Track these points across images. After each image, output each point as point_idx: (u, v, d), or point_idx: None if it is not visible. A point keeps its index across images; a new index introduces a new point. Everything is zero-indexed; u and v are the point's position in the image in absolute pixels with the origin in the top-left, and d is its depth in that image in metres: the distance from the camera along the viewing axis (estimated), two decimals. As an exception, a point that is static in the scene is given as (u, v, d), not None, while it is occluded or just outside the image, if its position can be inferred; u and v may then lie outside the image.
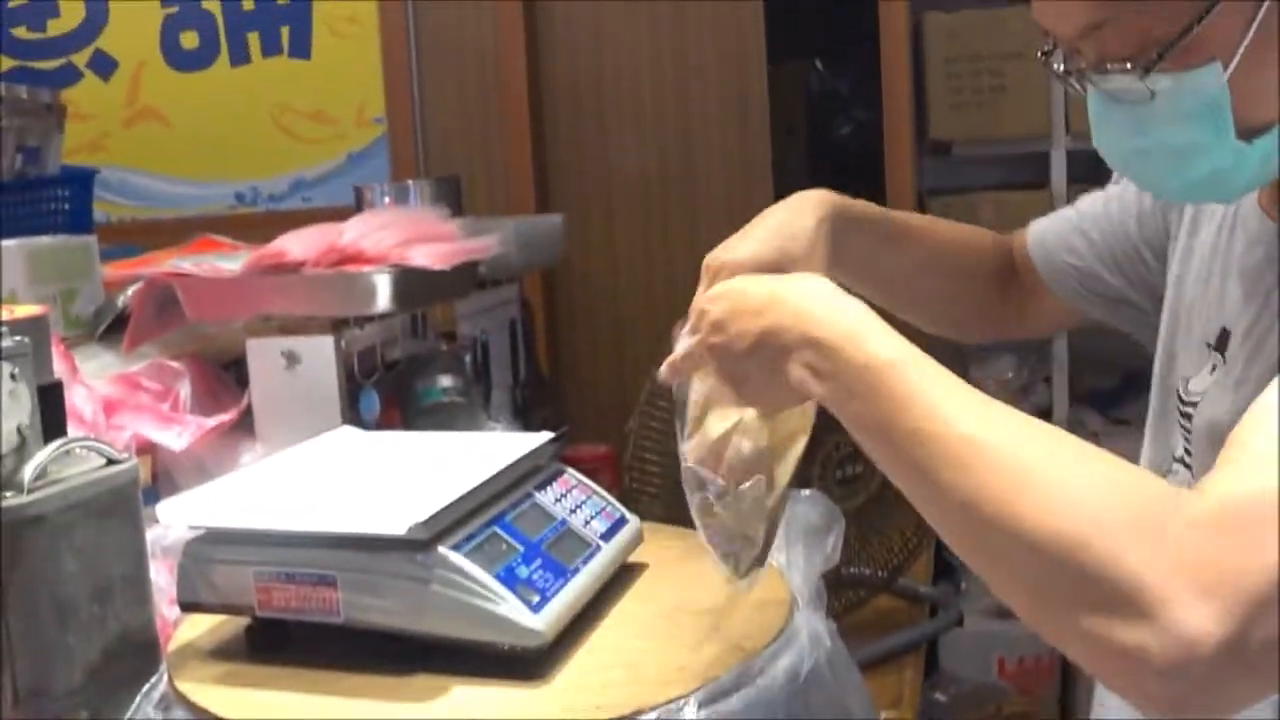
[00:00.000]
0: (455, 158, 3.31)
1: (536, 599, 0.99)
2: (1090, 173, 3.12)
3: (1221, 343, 1.06)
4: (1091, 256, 1.24)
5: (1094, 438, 3.02)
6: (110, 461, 1.16)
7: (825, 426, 1.54)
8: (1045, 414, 3.14)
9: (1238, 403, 0.92)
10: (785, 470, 1.06)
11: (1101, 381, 3.26)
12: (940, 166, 3.42)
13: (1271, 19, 0.84)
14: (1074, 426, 3.10)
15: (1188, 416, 1.10)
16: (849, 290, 0.93)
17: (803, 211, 1.18)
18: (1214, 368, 1.07)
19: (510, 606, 0.97)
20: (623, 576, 1.15)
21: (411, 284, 1.51)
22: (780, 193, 3.72)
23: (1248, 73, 0.85)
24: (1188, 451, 1.11)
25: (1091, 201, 1.28)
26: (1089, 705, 2.76)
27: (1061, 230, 1.27)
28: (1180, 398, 1.12)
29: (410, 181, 2.06)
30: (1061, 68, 0.95)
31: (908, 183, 3.18)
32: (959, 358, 1.70)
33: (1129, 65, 0.87)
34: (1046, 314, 1.33)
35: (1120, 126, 0.94)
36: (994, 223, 3.05)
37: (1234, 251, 1.06)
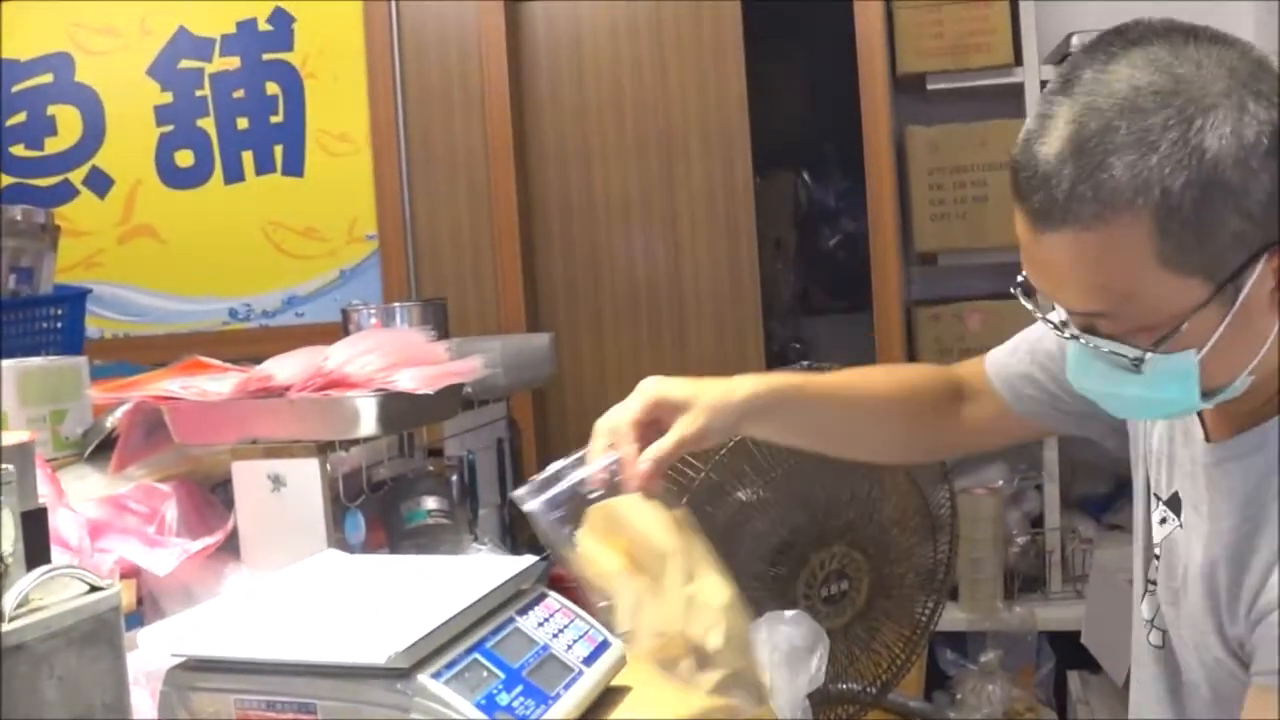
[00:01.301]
0: (446, 273, 3.35)
1: (516, 727, 0.99)
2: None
3: (1174, 503, 1.19)
4: (1054, 386, 1.30)
5: (1088, 544, 3.02)
6: (93, 588, 1.16)
7: (811, 544, 1.57)
8: (1037, 521, 3.13)
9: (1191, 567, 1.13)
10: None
11: (1094, 488, 3.26)
12: (927, 277, 3.45)
13: (1240, 318, 0.97)
14: (1067, 533, 3.10)
15: (1155, 551, 1.21)
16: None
17: (740, 382, 1.23)
18: (1164, 520, 1.20)
19: (489, 735, 0.97)
20: (605, 701, 1.15)
21: (397, 407, 1.52)
22: (768, 305, 3.70)
23: (1215, 355, 0.99)
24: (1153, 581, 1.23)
25: (1041, 336, 1.33)
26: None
27: (1020, 369, 1.34)
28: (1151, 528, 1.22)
29: (397, 304, 2.09)
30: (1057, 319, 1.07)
31: (895, 294, 3.21)
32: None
33: (1121, 350, 1.00)
34: (1010, 430, 1.39)
35: (1101, 375, 1.05)
36: (981, 332, 3.11)
37: (1185, 435, 1.18)
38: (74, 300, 2.44)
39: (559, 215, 3.41)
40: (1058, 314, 1.07)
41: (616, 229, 3.38)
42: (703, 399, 1.17)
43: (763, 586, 1.51)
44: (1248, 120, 0.92)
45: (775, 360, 3.73)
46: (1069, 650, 3.03)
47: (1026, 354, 1.34)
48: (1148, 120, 0.92)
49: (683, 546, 1.07)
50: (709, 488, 1.48)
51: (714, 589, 1.08)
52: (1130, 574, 2.63)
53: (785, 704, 1.15)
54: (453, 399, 1.70)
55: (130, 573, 1.44)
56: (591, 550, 1.06)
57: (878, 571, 1.62)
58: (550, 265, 3.41)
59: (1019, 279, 1.07)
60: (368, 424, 1.50)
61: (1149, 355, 0.99)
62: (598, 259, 3.39)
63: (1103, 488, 3.25)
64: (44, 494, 1.38)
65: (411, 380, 1.51)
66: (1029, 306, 1.08)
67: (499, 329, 3.25)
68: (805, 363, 1.58)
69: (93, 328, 3.40)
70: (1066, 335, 1.05)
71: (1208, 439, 1.14)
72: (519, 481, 2.26)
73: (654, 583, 1.03)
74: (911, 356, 3.21)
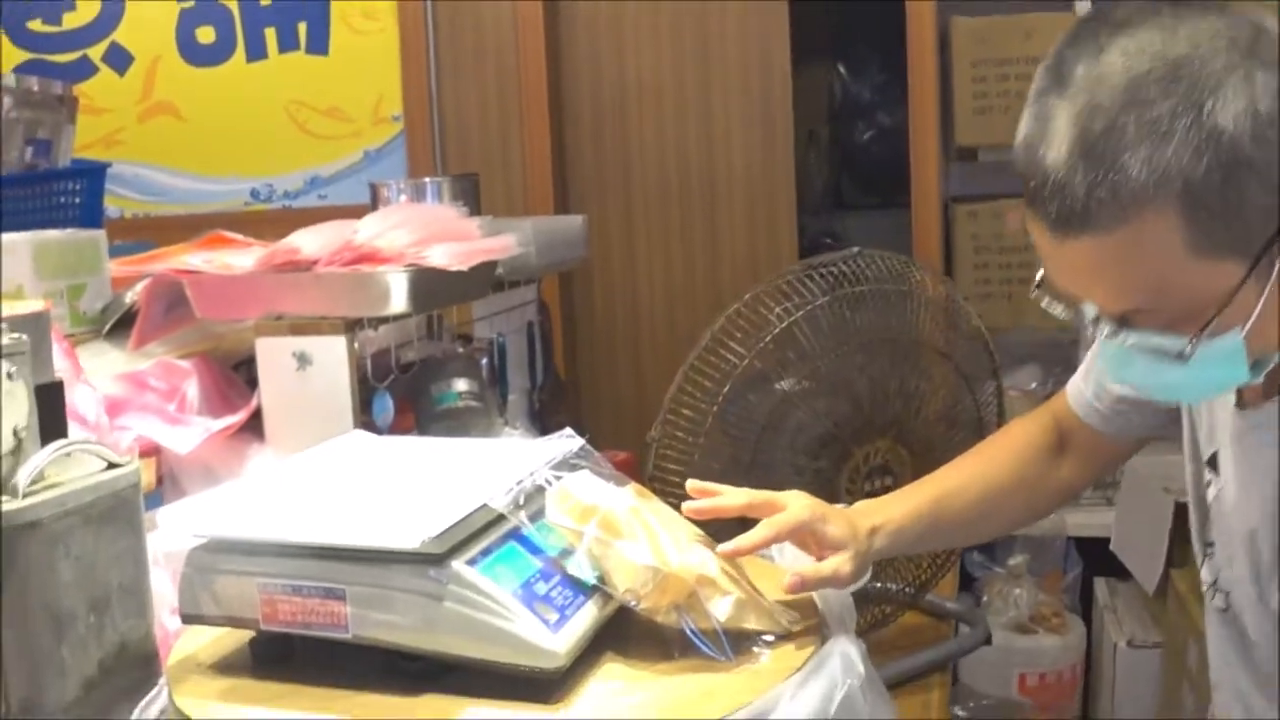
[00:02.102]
0: (473, 156, 3.26)
1: (555, 618, 0.94)
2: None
3: (1213, 463, 1.17)
4: (1138, 398, 1.27)
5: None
6: (111, 465, 1.11)
7: (855, 437, 1.51)
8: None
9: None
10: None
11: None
12: (966, 173, 3.36)
13: (1274, 286, 0.94)
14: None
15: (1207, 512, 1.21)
16: None
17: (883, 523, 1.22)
18: (1209, 481, 1.18)
19: (527, 625, 0.92)
20: (646, 592, 1.10)
21: (428, 284, 1.46)
22: (801, 199, 3.64)
23: (1258, 327, 0.96)
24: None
25: None
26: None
27: (1098, 389, 1.31)
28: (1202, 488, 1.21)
29: (428, 179, 2.00)
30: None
31: (934, 190, 3.12)
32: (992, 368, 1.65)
33: (1163, 344, 0.97)
34: (1116, 453, 1.38)
35: (1144, 368, 1.01)
36: (1020, 230, 3.02)
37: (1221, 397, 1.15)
38: (93, 175, 2.38)
39: (590, 100, 3.31)
40: (1089, 309, 1.01)
41: (649, 116, 3.28)
42: (853, 546, 1.14)
43: (804, 480, 1.45)
44: (1259, 91, 0.88)
45: (806, 255, 3.65)
46: (1097, 557, 2.99)
47: (1099, 371, 1.30)
48: (1155, 110, 0.88)
49: (647, 505, 1.04)
50: (751, 375, 1.42)
51: (687, 527, 1.05)
52: (1165, 482, 2.58)
53: (830, 600, 1.10)
54: (485, 278, 1.63)
55: (150, 451, 1.39)
56: (562, 524, 1.01)
57: (922, 469, 1.56)
58: (580, 151, 3.32)
59: (1038, 278, 1.03)
60: (398, 301, 1.43)
61: (1193, 343, 0.96)
62: (629, 146, 3.30)
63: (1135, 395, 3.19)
64: (61, 369, 1.33)
65: (444, 256, 1.45)
66: (1054, 311, 1.05)
67: (526, 215, 3.18)
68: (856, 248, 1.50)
69: (113, 207, 3.34)
70: (1103, 335, 1.01)
71: (1240, 405, 1.10)
72: (549, 367, 2.23)
73: (628, 538, 0.99)
74: (948, 254, 3.14)
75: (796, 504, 1.12)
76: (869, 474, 1.51)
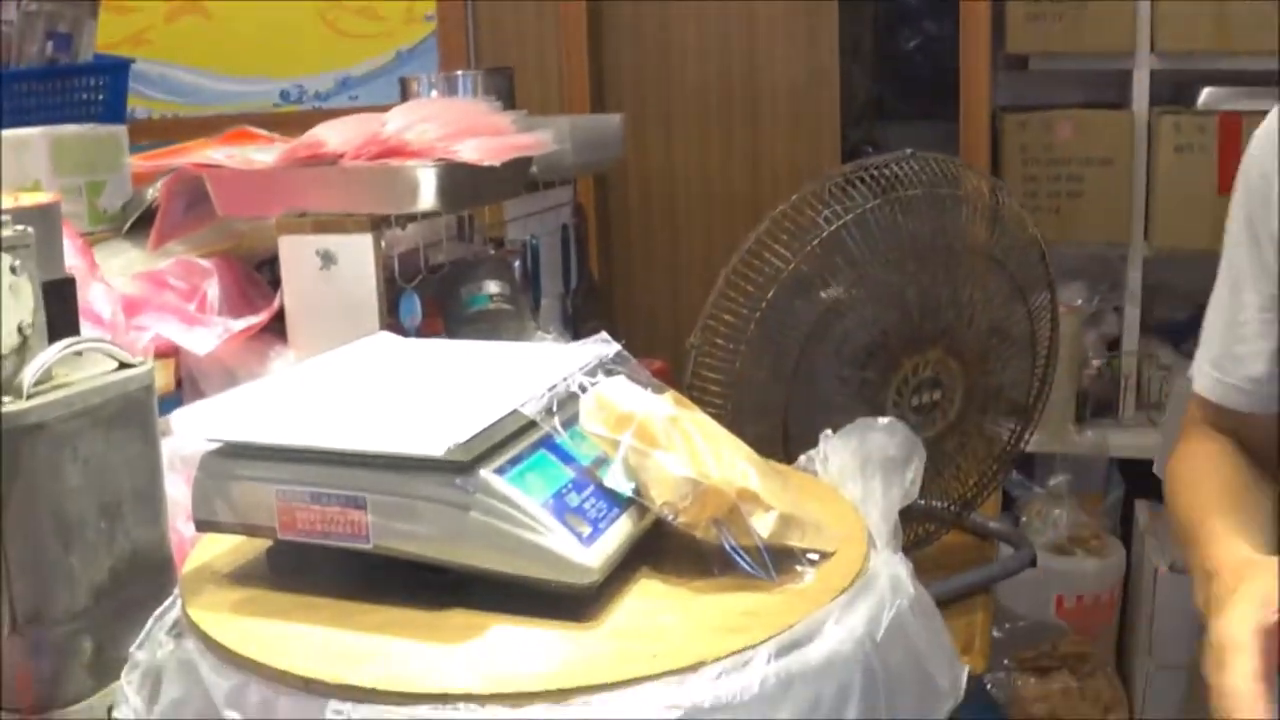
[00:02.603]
0: (508, 57, 3.18)
1: (588, 531, 0.88)
2: (1175, 94, 2.96)
3: None
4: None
5: (1165, 370, 2.91)
6: (123, 365, 1.06)
7: (904, 347, 1.44)
8: (1114, 344, 3.00)
9: None
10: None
11: (1175, 313, 3.12)
12: (1016, 82, 3.26)
13: None
14: (1145, 358, 2.97)
15: None
16: None
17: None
18: None
19: (558, 538, 0.86)
20: (684, 505, 1.04)
21: (458, 180, 1.39)
22: (846, 107, 3.54)
23: None
24: None
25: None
26: (1148, 645, 2.66)
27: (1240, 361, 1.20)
28: None
29: (460, 72, 1.93)
30: None
31: (984, 99, 3.03)
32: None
33: None
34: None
35: None
36: (1071, 141, 2.93)
37: None
38: (116, 71, 2.30)
39: (630, 1, 3.21)
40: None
41: (689, 18, 3.18)
42: None
43: (850, 391, 1.39)
44: None
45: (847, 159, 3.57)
46: (1139, 479, 2.93)
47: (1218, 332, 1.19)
48: None
49: (686, 413, 0.97)
50: (797, 280, 1.35)
51: (728, 439, 0.97)
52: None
53: (877, 517, 1.03)
54: (518, 175, 1.56)
55: (168, 353, 1.34)
56: (597, 433, 0.94)
57: (973, 382, 1.49)
58: (618, 52, 3.23)
59: None
60: (427, 197, 1.37)
61: None
62: (669, 48, 3.21)
63: (1183, 313, 3.11)
64: (75, 266, 1.27)
65: (475, 151, 1.37)
66: None
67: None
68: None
69: (139, 108, 3.28)
70: None
71: None
72: (584, 271, 2.16)
73: (666, 448, 0.92)
74: (995, 165, 3.04)
75: None
76: (918, 386, 1.44)
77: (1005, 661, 2.71)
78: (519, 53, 3.19)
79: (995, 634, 2.69)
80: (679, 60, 3.20)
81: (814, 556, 0.94)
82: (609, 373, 1.01)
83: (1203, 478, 1.22)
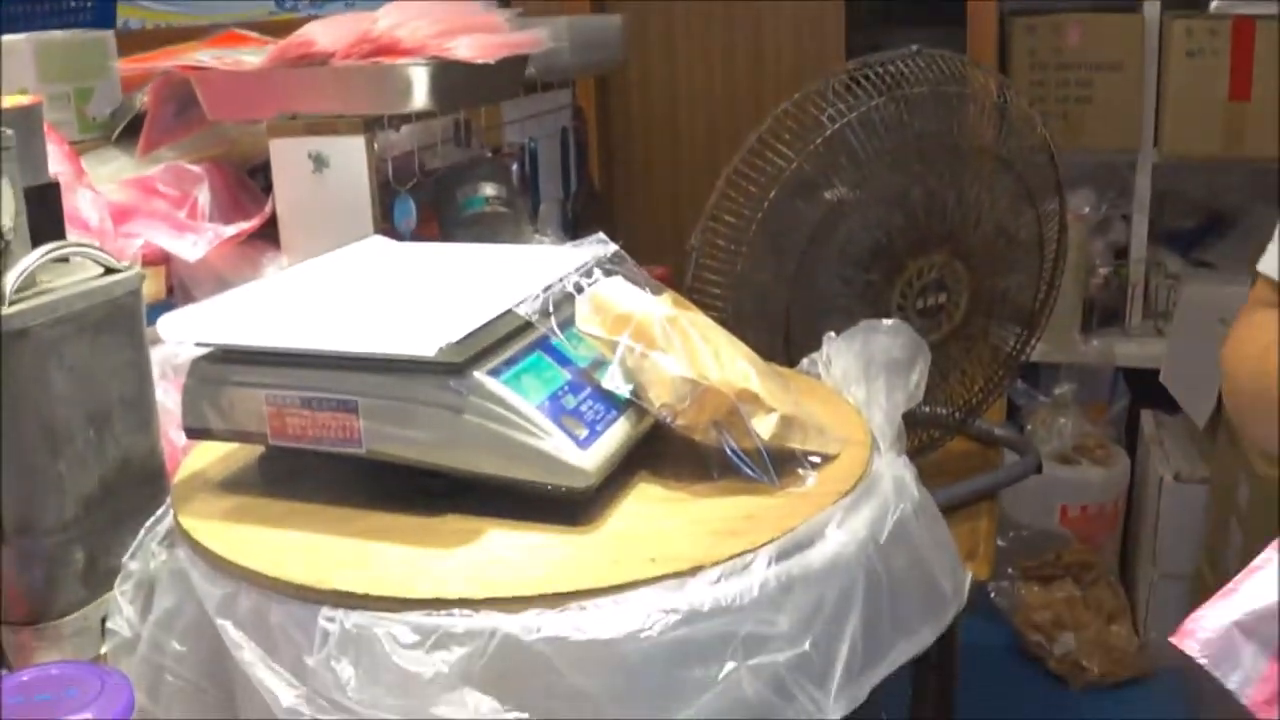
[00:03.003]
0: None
1: (584, 433, 0.86)
2: (1188, -2, 2.89)
3: None
4: None
5: (1173, 279, 2.88)
6: (110, 270, 1.03)
7: (910, 249, 1.41)
8: (1122, 252, 2.96)
9: None
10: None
11: (1184, 221, 3.08)
12: (1027, -17, 3.19)
13: None
14: (1152, 266, 2.93)
15: None
16: None
17: None
18: None
19: (554, 441, 0.85)
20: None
21: (452, 79, 1.35)
22: (851, 10, 3.46)
23: None
24: None
25: None
26: (1151, 554, 2.65)
27: None
28: None
29: (453, -30, 1.89)
30: None
31: (990, 1, 2.96)
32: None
33: None
34: None
35: None
36: (1081, 47, 2.87)
37: None
38: (104, -24, 2.26)
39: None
40: None
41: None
42: None
43: (854, 293, 1.36)
44: None
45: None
46: (1145, 389, 2.91)
47: None
48: None
49: (684, 312, 0.94)
50: (800, 180, 1.31)
51: (728, 340, 0.95)
52: (1221, 313, 2.47)
53: (881, 420, 1.01)
54: (514, 74, 1.52)
55: (159, 260, 1.31)
56: (594, 334, 0.91)
57: (979, 285, 1.46)
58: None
59: None
60: (420, 96, 1.33)
61: None
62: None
63: (1192, 222, 3.08)
64: (61, 172, 1.24)
65: (469, 48, 1.34)
66: None
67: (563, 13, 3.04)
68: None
69: (131, 18, 3.21)
70: None
71: None
72: (583, 175, 2.12)
73: (664, 349, 0.89)
74: (1003, 70, 2.99)
75: None
76: (923, 290, 1.41)
77: (1009, 570, 2.72)
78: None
79: (999, 543, 2.69)
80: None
81: (815, 459, 0.92)
82: (607, 273, 0.99)
83: None
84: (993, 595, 2.69)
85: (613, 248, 1.03)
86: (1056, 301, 1.62)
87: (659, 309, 0.93)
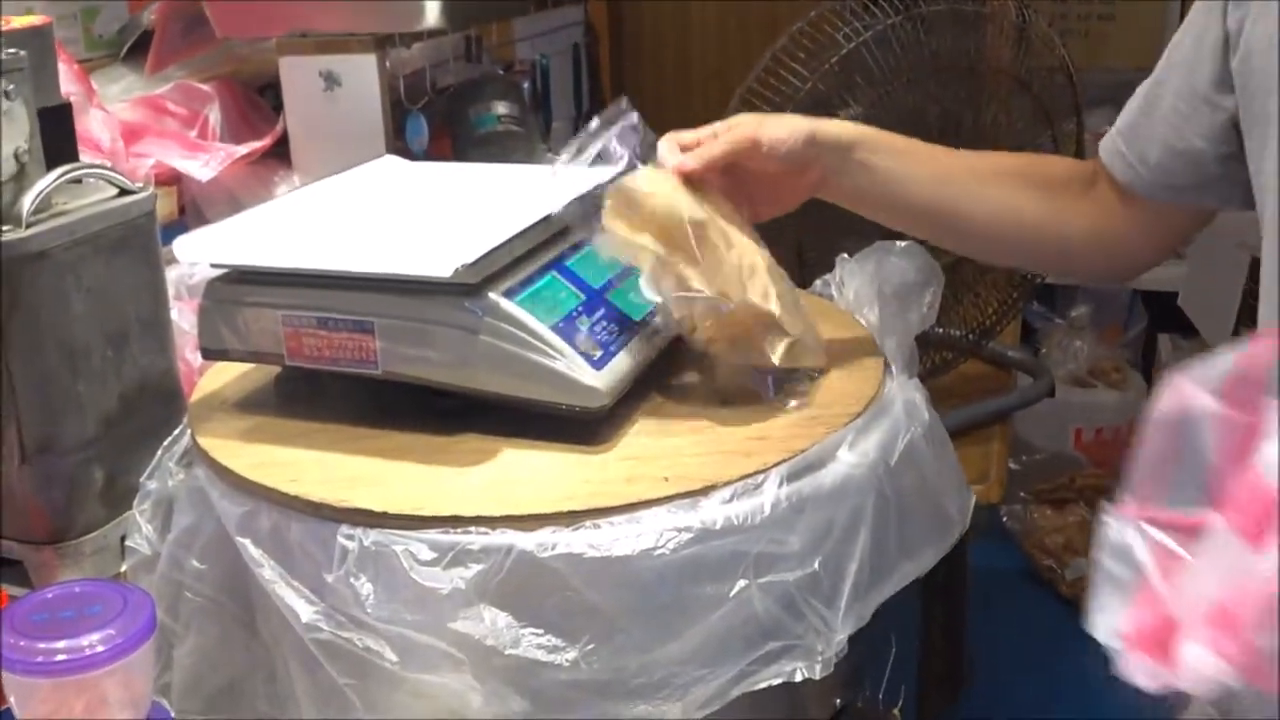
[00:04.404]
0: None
1: (599, 354, 0.87)
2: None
3: None
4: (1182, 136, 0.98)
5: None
6: (124, 192, 1.03)
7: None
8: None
9: None
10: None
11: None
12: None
13: None
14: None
15: None
16: None
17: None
18: None
19: (568, 362, 0.85)
20: (696, 330, 1.02)
21: (462, -3, 1.34)
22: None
23: None
24: None
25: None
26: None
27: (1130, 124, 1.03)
28: None
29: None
30: None
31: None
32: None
33: None
34: (1170, 229, 1.06)
35: None
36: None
37: None
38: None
39: None
40: None
41: None
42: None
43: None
44: None
45: None
46: (1162, 312, 2.89)
47: (1138, 104, 1.02)
48: None
49: (712, 212, 0.92)
50: (815, 99, 1.30)
51: (752, 252, 0.93)
52: (1240, 236, 2.45)
53: (893, 344, 1.01)
54: (525, -9, 1.51)
55: (170, 179, 1.31)
56: (618, 230, 0.90)
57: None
58: None
59: None
60: (431, 14, 1.32)
61: None
62: None
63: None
64: (72, 93, 1.24)
65: (480, -36, 1.33)
66: None
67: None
68: None
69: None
70: None
71: None
72: (596, 93, 2.10)
73: (689, 256, 0.88)
74: None
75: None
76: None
77: (1021, 494, 2.72)
78: None
79: (1012, 466, 2.69)
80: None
81: (816, 374, 0.93)
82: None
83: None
84: (1005, 519, 2.70)
85: (634, 117, 0.99)
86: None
87: (688, 208, 0.91)
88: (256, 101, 1.49)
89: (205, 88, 1.42)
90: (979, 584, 1.70)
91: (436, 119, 1.46)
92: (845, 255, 1.08)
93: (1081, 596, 2.60)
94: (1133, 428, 2.54)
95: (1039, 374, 1.64)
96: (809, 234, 1.34)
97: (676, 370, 0.96)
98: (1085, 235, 1.07)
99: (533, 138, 1.50)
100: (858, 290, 1.07)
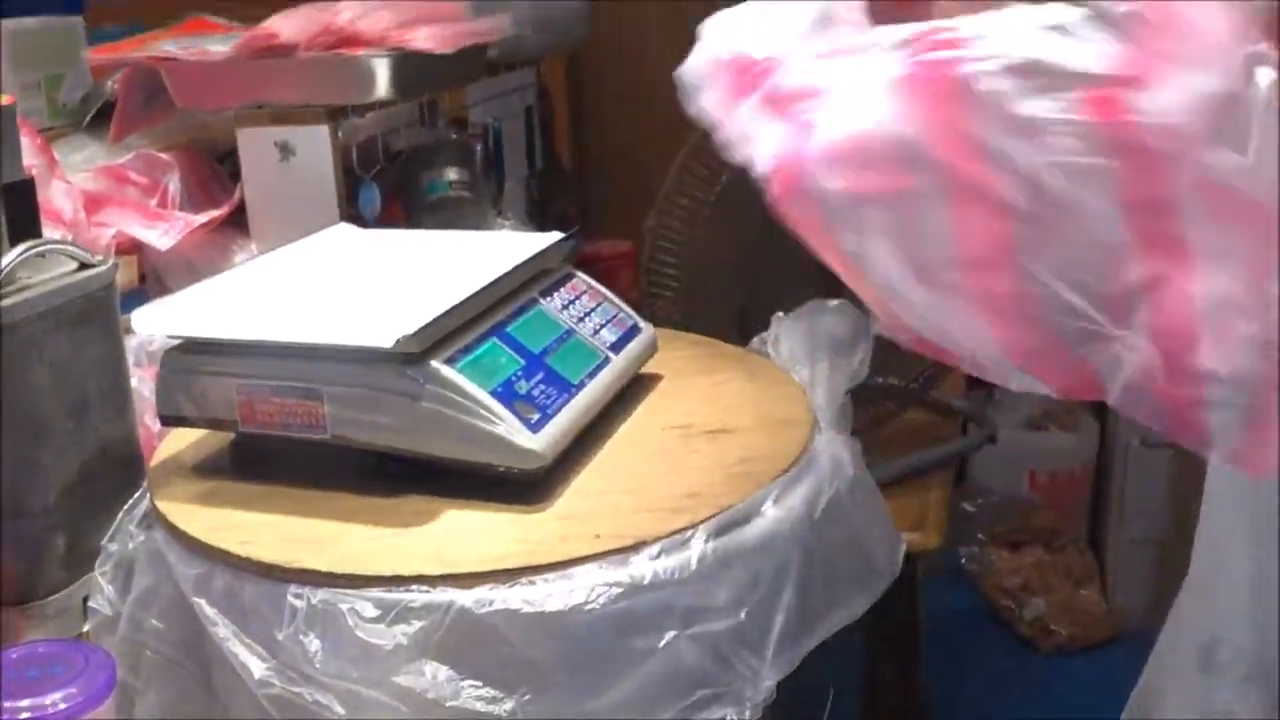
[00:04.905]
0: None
1: (536, 417, 0.91)
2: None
3: None
4: None
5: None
6: (85, 266, 1.07)
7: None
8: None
9: None
10: None
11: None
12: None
13: None
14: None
15: None
16: None
17: None
18: None
19: (506, 425, 0.90)
20: (634, 390, 1.08)
21: (412, 68, 1.39)
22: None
23: None
24: None
25: None
26: (1120, 520, 2.69)
27: None
28: None
29: (415, -43, 1.92)
30: None
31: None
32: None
33: None
34: None
35: None
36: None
37: None
38: (73, -42, 2.27)
39: None
40: None
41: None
42: None
43: (808, 272, 1.40)
44: None
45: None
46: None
47: None
48: None
49: None
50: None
51: None
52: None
53: (823, 399, 1.06)
54: (474, 61, 1.56)
55: (131, 248, 1.35)
56: None
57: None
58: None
59: None
60: (381, 86, 1.37)
61: None
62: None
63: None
64: (35, 164, 1.28)
65: (428, 39, 1.38)
66: None
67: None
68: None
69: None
70: None
71: None
72: (549, 153, 2.15)
73: None
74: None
75: None
76: (873, 265, 1.45)
77: (979, 536, 2.76)
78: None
79: (968, 508, 2.73)
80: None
81: None
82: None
83: None
84: (963, 560, 2.74)
85: (568, 244, 1.05)
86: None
87: None
88: (216, 170, 1.53)
89: (165, 157, 1.46)
90: (939, 625, 1.74)
91: (390, 185, 1.51)
92: (780, 314, 1.13)
93: (1039, 636, 2.63)
94: (1086, 470, 2.58)
95: (981, 421, 1.68)
96: (750, 291, 1.39)
97: (615, 428, 1.00)
98: None
99: (483, 203, 1.55)
100: (792, 348, 1.12)
